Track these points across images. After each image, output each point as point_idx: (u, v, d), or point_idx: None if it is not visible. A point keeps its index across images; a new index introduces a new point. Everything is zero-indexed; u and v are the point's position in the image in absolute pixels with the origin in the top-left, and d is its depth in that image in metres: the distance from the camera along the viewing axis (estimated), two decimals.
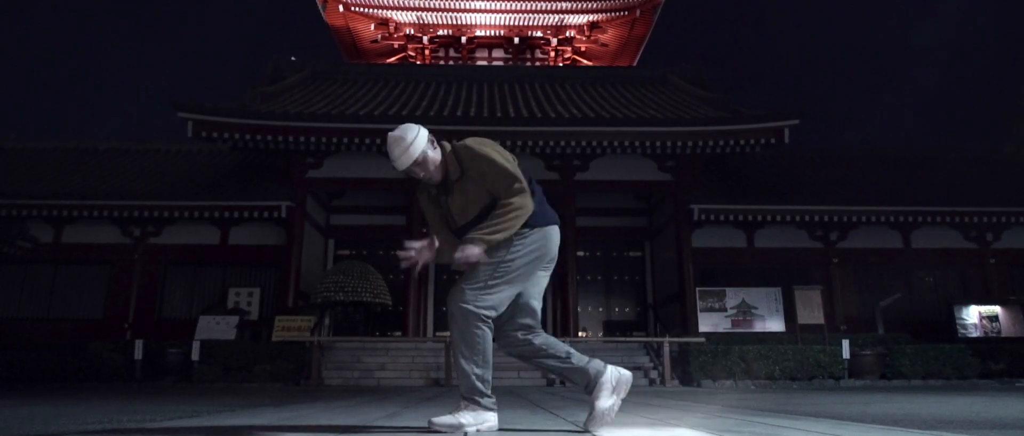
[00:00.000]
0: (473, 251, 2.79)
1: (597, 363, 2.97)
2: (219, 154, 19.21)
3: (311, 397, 7.24)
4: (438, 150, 2.97)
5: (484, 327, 2.87)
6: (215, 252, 16.84)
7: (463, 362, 2.91)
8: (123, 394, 7.87)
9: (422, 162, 2.90)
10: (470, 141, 2.96)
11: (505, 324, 2.99)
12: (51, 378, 12.73)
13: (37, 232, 15.03)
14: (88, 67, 70.36)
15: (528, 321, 2.98)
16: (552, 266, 3.06)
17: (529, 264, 2.92)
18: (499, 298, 2.88)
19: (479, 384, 2.92)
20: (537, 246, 2.93)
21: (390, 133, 2.94)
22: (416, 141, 2.89)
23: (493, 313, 2.88)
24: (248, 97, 16.57)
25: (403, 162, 2.89)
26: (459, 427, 2.87)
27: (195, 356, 12.86)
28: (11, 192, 15.73)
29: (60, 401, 6.04)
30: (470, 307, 2.84)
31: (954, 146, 22.31)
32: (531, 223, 2.92)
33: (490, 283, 2.85)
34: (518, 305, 2.97)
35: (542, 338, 2.99)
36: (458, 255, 2.82)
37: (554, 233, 3.00)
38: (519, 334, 2.98)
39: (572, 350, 3.00)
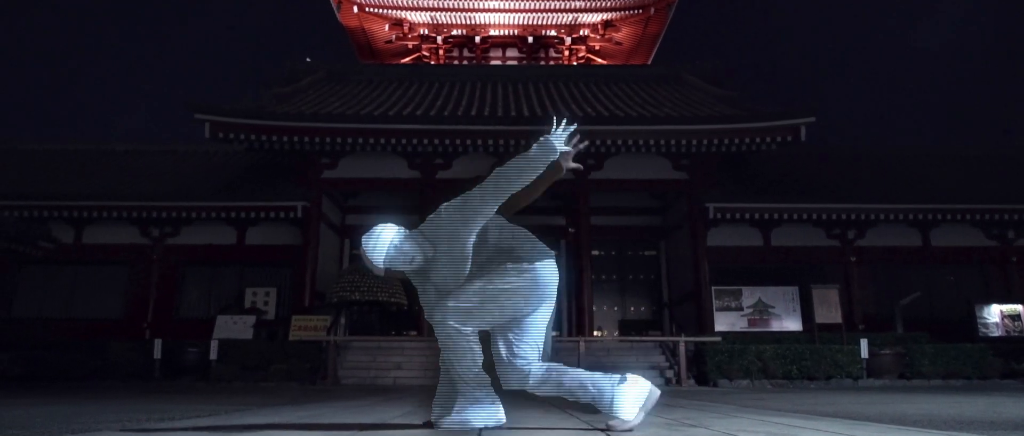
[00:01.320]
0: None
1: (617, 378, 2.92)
2: (235, 155, 19.36)
3: (327, 396, 7.28)
4: (410, 237, 2.92)
5: (470, 341, 2.88)
6: (232, 252, 16.98)
7: (458, 370, 2.93)
8: (142, 393, 7.96)
9: (396, 254, 2.87)
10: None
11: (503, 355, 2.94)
12: (71, 377, 12.88)
13: (58, 233, 15.21)
14: (102, 69, 71.18)
15: (527, 352, 2.91)
16: (552, 302, 3.00)
17: (521, 299, 2.86)
18: (484, 321, 2.88)
19: (477, 382, 2.95)
20: (532, 282, 2.87)
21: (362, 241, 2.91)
22: (383, 232, 2.87)
23: (476, 333, 2.89)
24: (264, 98, 16.69)
25: (378, 256, 2.85)
26: (466, 423, 2.93)
27: (213, 355, 12.97)
28: (32, 193, 15.96)
29: (80, 400, 6.12)
30: (455, 327, 2.85)
31: (974, 143, 22.05)
32: (529, 259, 2.87)
33: (477, 308, 2.84)
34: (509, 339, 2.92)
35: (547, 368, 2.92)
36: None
37: (549, 269, 2.93)
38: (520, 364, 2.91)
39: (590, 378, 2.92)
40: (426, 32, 28.41)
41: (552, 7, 27.51)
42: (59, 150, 20.15)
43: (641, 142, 15.45)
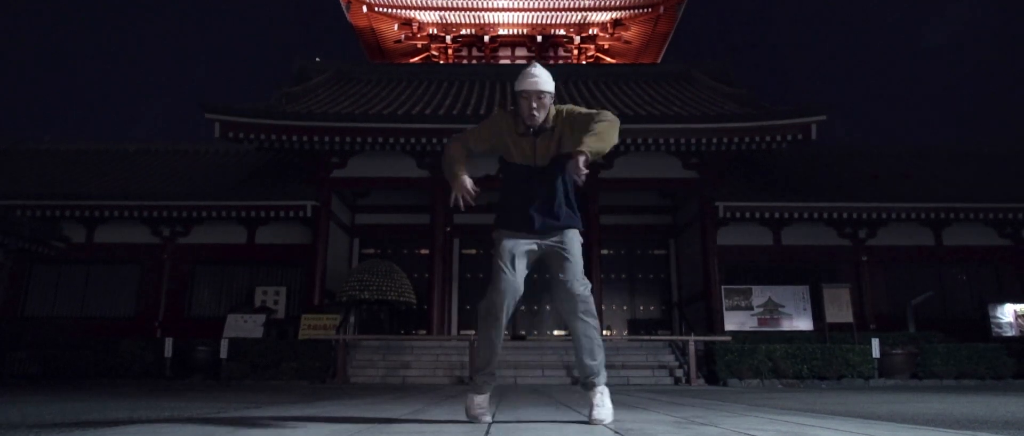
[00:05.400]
0: (582, 160, 3.07)
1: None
2: (246, 154, 19.45)
3: (337, 394, 7.29)
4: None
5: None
6: (242, 251, 17.06)
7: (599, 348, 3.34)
8: (153, 391, 8.01)
9: (548, 102, 3.33)
10: (571, 106, 3.44)
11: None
12: (84, 375, 12.98)
13: (70, 232, 15.32)
14: (115, 70, 71.68)
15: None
16: None
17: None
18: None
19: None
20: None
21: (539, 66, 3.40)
22: (551, 81, 3.35)
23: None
24: (274, 98, 16.74)
25: (544, 83, 3.29)
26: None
27: (223, 354, 13.03)
28: (45, 193, 16.09)
29: (92, 397, 6.16)
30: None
31: (987, 140, 21.84)
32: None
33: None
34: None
35: None
36: (572, 166, 3.09)
37: None
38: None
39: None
40: (435, 32, 28.46)
41: (561, 6, 27.49)
42: (71, 150, 20.30)
43: (651, 141, 15.40)
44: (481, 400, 3.31)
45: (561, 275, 3.28)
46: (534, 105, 3.27)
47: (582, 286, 3.26)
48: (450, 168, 3.38)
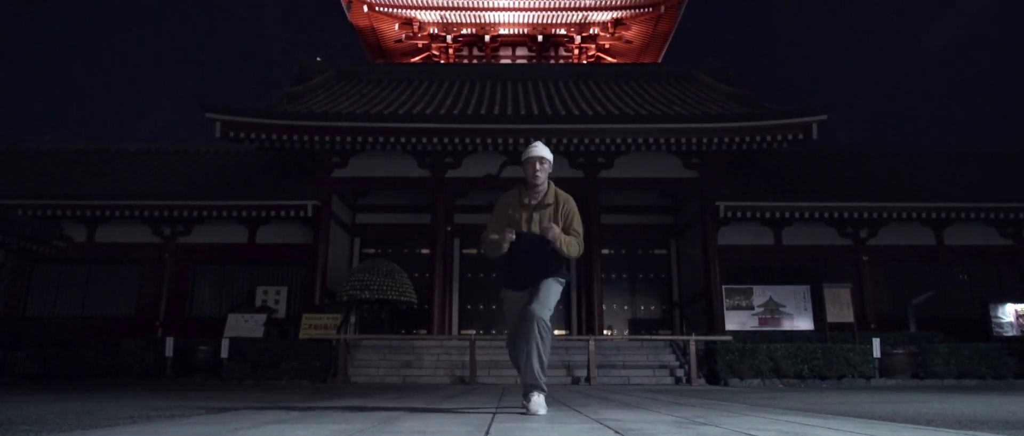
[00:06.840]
0: (554, 228, 4.04)
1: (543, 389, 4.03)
2: (247, 154, 19.46)
3: (338, 394, 7.29)
4: None
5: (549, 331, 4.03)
6: (243, 251, 17.06)
7: (544, 357, 3.99)
8: (154, 390, 8.01)
9: (548, 168, 4.17)
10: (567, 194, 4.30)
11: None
12: (85, 375, 12.99)
13: (71, 232, 15.34)
14: (115, 70, 71.69)
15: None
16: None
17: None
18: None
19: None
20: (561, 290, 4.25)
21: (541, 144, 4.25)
22: (549, 151, 4.23)
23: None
24: (275, 98, 16.74)
25: (542, 151, 4.15)
26: (541, 409, 3.85)
27: (224, 354, 13.04)
28: (46, 192, 16.09)
29: (93, 397, 6.16)
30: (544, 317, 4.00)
31: (987, 140, 21.83)
32: (567, 280, 4.23)
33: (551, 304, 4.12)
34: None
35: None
36: (545, 226, 4.06)
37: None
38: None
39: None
40: (436, 31, 28.44)
41: (562, 6, 27.46)
42: (72, 150, 20.31)
43: (651, 140, 15.39)
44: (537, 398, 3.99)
45: (531, 299, 4.07)
46: (537, 167, 4.14)
47: (543, 310, 3.97)
48: (495, 251, 4.19)
